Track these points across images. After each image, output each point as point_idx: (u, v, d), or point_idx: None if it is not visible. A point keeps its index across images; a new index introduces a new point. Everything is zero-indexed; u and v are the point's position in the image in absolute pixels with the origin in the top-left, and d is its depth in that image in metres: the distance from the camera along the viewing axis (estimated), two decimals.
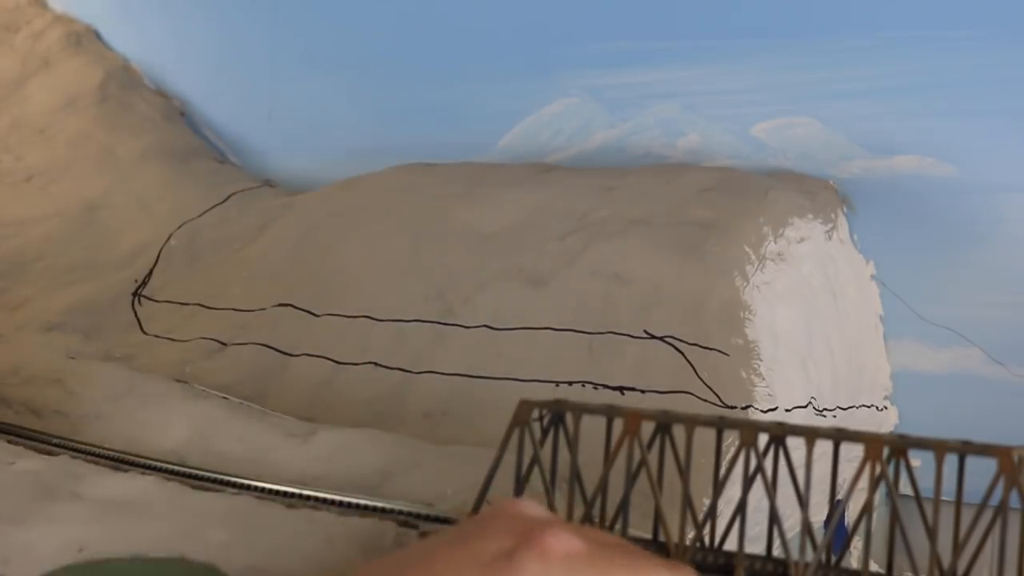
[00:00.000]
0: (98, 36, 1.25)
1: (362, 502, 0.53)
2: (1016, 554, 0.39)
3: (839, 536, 0.49)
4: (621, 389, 0.66)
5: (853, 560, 0.67)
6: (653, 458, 0.45)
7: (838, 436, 0.42)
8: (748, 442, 0.43)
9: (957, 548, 0.41)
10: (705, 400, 0.64)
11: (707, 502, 0.47)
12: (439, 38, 0.98)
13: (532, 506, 0.44)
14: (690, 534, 0.44)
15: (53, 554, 0.50)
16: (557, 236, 0.77)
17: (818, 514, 0.68)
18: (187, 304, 0.89)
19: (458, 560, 0.43)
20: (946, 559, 0.40)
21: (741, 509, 0.43)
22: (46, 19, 1.27)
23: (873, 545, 0.44)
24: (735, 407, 0.64)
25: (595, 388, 0.67)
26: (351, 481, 0.61)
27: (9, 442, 0.65)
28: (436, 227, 0.76)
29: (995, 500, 0.39)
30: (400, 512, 0.51)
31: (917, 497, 0.42)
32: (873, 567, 0.44)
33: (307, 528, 0.51)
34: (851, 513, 0.61)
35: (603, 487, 0.45)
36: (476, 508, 0.46)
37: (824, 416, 0.70)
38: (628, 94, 0.87)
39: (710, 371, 0.64)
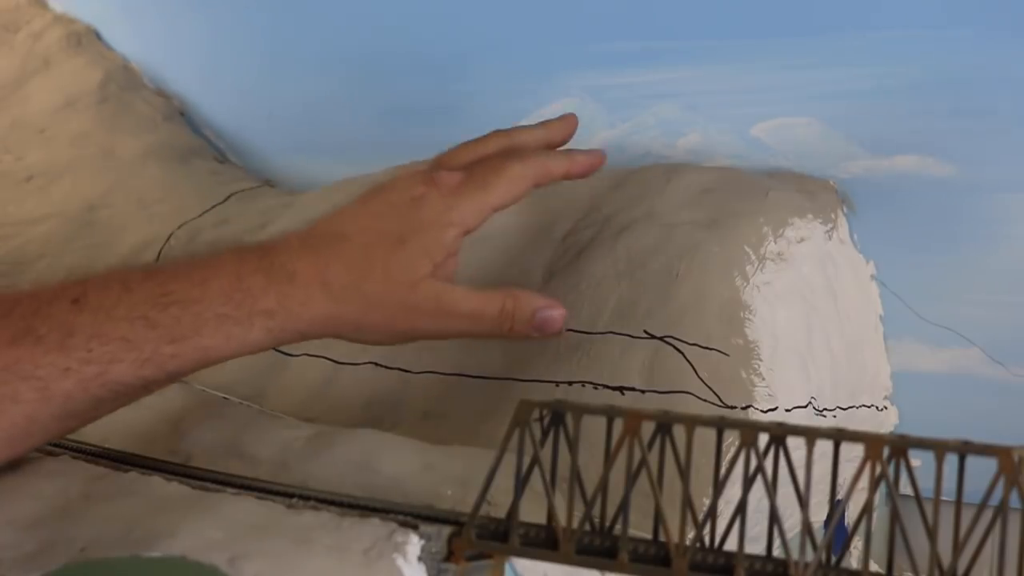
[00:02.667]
0: (98, 36, 1.25)
1: (362, 502, 0.53)
2: (1016, 554, 0.39)
3: (839, 536, 0.49)
4: (621, 389, 0.66)
5: (853, 560, 0.67)
6: (653, 458, 0.45)
7: (838, 436, 0.42)
8: (748, 442, 0.43)
9: (957, 548, 0.41)
10: (705, 400, 0.64)
11: (707, 502, 0.47)
12: (439, 38, 0.98)
13: (421, 164, 0.64)
14: (690, 534, 0.44)
15: None
16: (557, 236, 0.77)
17: (818, 514, 0.68)
18: None
19: (385, 202, 0.61)
20: (946, 559, 0.40)
21: (741, 509, 0.43)
22: (46, 19, 1.27)
23: (873, 545, 0.44)
24: (735, 407, 0.64)
25: (595, 388, 0.67)
26: (352, 481, 0.61)
27: None
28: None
29: (995, 500, 0.39)
30: (400, 512, 0.51)
31: (917, 497, 0.42)
32: (873, 567, 0.44)
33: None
34: (851, 513, 0.61)
35: (603, 487, 0.45)
36: (476, 508, 0.47)
37: (824, 416, 0.70)
38: (628, 94, 0.87)
39: (710, 371, 0.64)
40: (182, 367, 0.55)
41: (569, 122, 0.68)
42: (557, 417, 0.47)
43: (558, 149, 0.67)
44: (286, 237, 0.60)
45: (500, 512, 0.48)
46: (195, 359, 0.55)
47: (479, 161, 0.65)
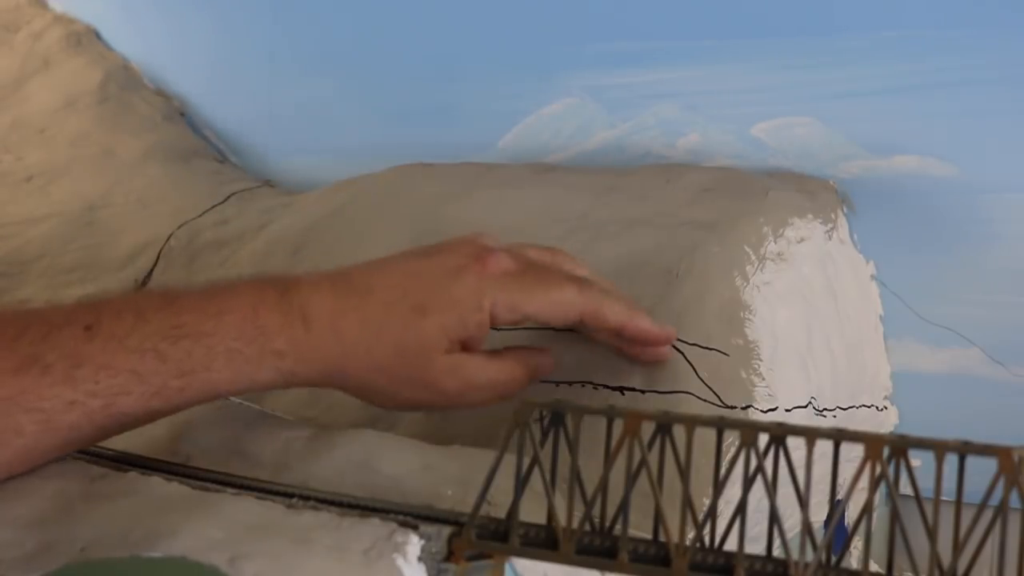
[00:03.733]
0: (98, 36, 1.25)
1: (362, 502, 0.53)
2: (1016, 554, 0.39)
3: (839, 536, 0.49)
4: (621, 389, 0.66)
5: (853, 560, 0.67)
6: (653, 458, 0.45)
7: (838, 436, 0.42)
8: (748, 442, 0.43)
9: (957, 548, 0.41)
10: (705, 400, 0.64)
11: (707, 502, 0.47)
12: (439, 38, 0.98)
13: (488, 238, 0.61)
14: (690, 534, 0.44)
15: None
16: (557, 236, 0.77)
17: (818, 514, 0.68)
18: None
19: (423, 267, 0.58)
20: (946, 559, 0.40)
21: (741, 509, 0.43)
22: (46, 19, 1.27)
23: (873, 545, 0.44)
24: (735, 407, 0.64)
25: (595, 388, 0.67)
26: (352, 481, 0.61)
27: None
28: (436, 227, 0.76)
29: (995, 500, 0.39)
30: (400, 512, 0.51)
31: (917, 497, 0.42)
32: (873, 567, 0.44)
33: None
34: (851, 513, 0.61)
35: (603, 487, 0.45)
36: (476, 508, 0.47)
37: (824, 416, 0.70)
38: (628, 94, 0.87)
39: (710, 371, 0.64)
40: (189, 400, 0.55)
41: (664, 335, 0.62)
42: (557, 417, 0.47)
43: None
44: (315, 275, 0.59)
45: (500, 512, 0.48)
46: (203, 392, 0.55)
47: (541, 264, 0.61)
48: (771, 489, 0.42)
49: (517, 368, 0.60)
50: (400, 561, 0.47)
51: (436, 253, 0.60)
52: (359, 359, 0.56)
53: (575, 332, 0.65)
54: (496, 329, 0.60)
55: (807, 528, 0.42)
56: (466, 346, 0.58)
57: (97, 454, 0.63)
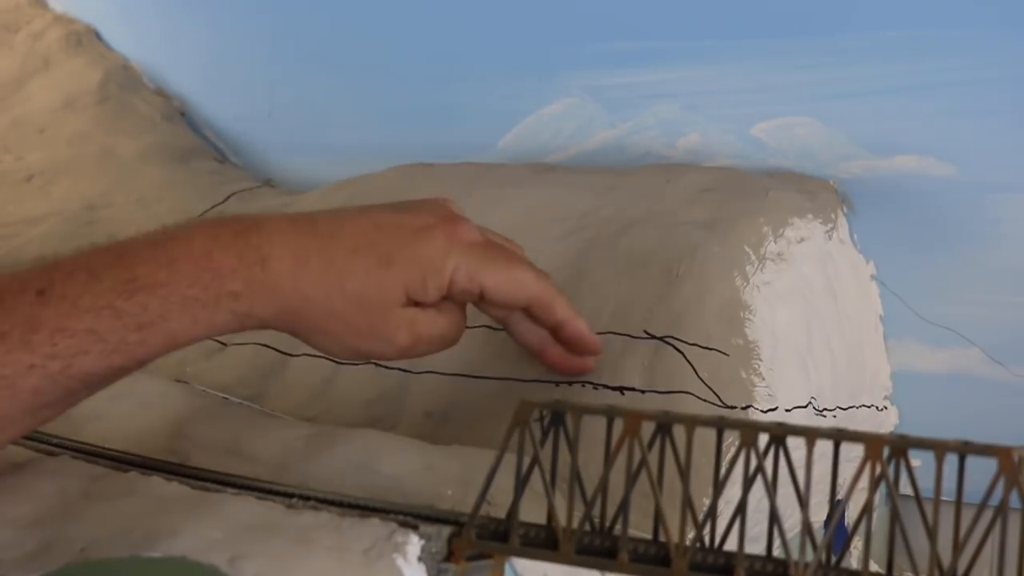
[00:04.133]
0: (98, 36, 1.25)
1: (362, 502, 0.53)
2: (1016, 554, 0.39)
3: (839, 536, 0.49)
4: (621, 389, 0.66)
5: (853, 560, 0.67)
6: (653, 458, 0.45)
7: (838, 436, 0.42)
8: (748, 442, 0.43)
9: (957, 548, 0.41)
10: (705, 400, 0.64)
11: (707, 502, 0.47)
12: (439, 38, 0.98)
13: (456, 206, 0.62)
14: (690, 534, 0.44)
15: None
16: (557, 236, 0.77)
17: (818, 514, 0.68)
18: None
19: (392, 220, 0.59)
20: (946, 559, 0.40)
21: (741, 509, 0.43)
22: (46, 19, 1.27)
23: (873, 545, 0.44)
24: (735, 407, 0.64)
25: (595, 388, 0.67)
26: (352, 481, 0.61)
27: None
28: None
29: (995, 500, 0.39)
30: (400, 512, 0.51)
31: (917, 497, 0.42)
32: (873, 567, 0.44)
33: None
34: (851, 513, 0.61)
35: (603, 487, 0.45)
36: (476, 508, 0.47)
37: (824, 416, 0.70)
38: (628, 94, 0.87)
39: (710, 371, 0.64)
40: (150, 353, 0.54)
41: (597, 344, 0.65)
42: (557, 417, 0.47)
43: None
44: (274, 217, 0.58)
45: (500, 512, 0.48)
46: (162, 344, 0.54)
47: (503, 243, 0.64)
48: (771, 489, 0.42)
49: (461, 317, 0.61)
50: (400, 561, 0.47)
51: (406, 210, 0.61)
52: (317, 304, 0.56)
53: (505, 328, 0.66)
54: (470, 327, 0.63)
55: (807, 528, 0.42)
56: (417, 304, 0.59)
57: (97, 454, 0.63)
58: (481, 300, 0.61)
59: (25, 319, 0.51)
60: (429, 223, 0.59)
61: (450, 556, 0.48)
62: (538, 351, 0.65)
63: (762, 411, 0.64)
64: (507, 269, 0.60)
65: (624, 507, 0.45)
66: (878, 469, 0.41)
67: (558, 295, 0.63)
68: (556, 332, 0.64)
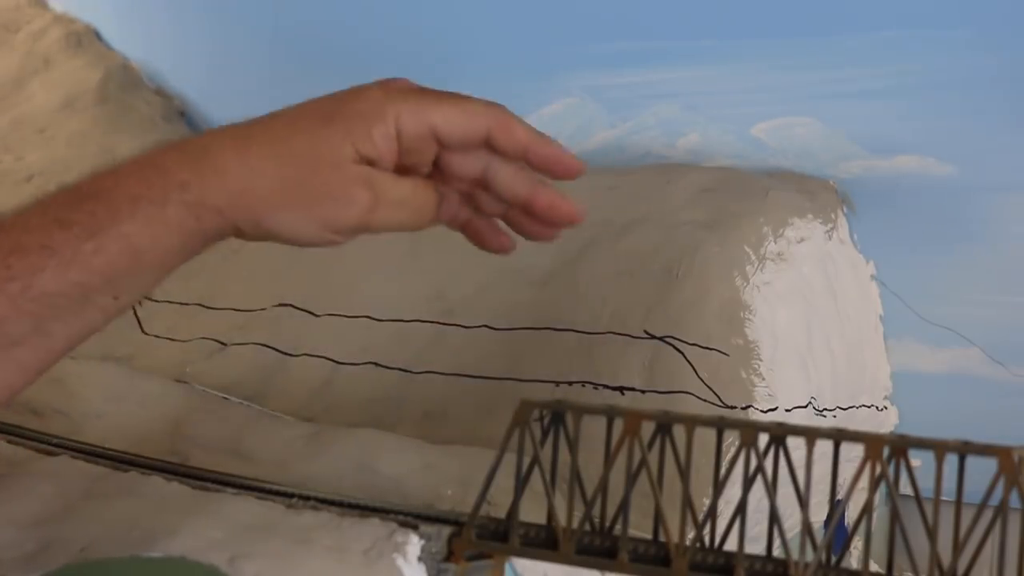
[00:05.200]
0: (98, 36, 1.25)
1: (362, 502, 0.53)
2: (1016, 554, 0.39)
3: (839, 536, 0.49)
4: (621, 389, 0.66)
5: (853, 560, 0.67)
6: (653, 458, 0.45)
7: (838, 436, 0.42)
8: (748, 442, 0.43)
9: (957, 548, 0.41)
10: (705, 400, 0.64)
11: (707, 502, 0.47)
12: (439, 38, 0.98)
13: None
14: (690, 534, 0.44)
15: None
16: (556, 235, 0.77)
17: (818, 514, 0.68)
18: (187, 304, 0.89)
19: (327, 94, 0.57)
20: (946, 559, 0.40)
21: (741, 509, 0.43)
22: (46, 19, 1.27)
23: (873, 545, 0.44)
24: (735, 407, 0.64)
25: (595, 388, 0.67)
26: (352, 481, 0.61)
27: (9, 442, 0.65)
28: (436, 226, 0.75)
29: (995, 500, 0.39)
30: (400, 512, 0.51)
31: (917, 497, 0.42)
32: (873, 567, 0.44)
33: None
34: (851, 513, 0.61)
35: (603, 487, 0.45)
36: (476, 508, 0.47)
37: (824, 416, 0.70)
38: (628, 94, 0.87)
39: (710, 371, 0.64)
40: (111, 264, 0.52)
41: (570, 165, 0.59)
42: (557, 417, 0.47)
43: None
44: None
45: (500, 512, 0.48)
46: (120, 251, 0.52)
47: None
48: (771, 489, 0.42)
49: (429, 191, 0.57)
50: (400, 561, 0.47)
51: (342, 90, 0.59)
52: (267, 174, 0.54)
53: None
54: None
55: (807, 528, 0.42)
56: (374, 165, 0.56)
57: (97, 454, 0.63)
58: (439, 146, 0.58)
59: None
60: (363, 85, 0.58)
61: (450, 556, 0.48)
62: (528, 198, 0.59)
63: (762, 411, 0.64)
64: (454, 102, 0.57)
65: (624, 507, 0.45)
66: (878, 469, 0.41)
67: (515, 117, 0.58)
68: (527, 157, 0.58)
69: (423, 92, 0.59)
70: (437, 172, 0.59)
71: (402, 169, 0.57)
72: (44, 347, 0.52)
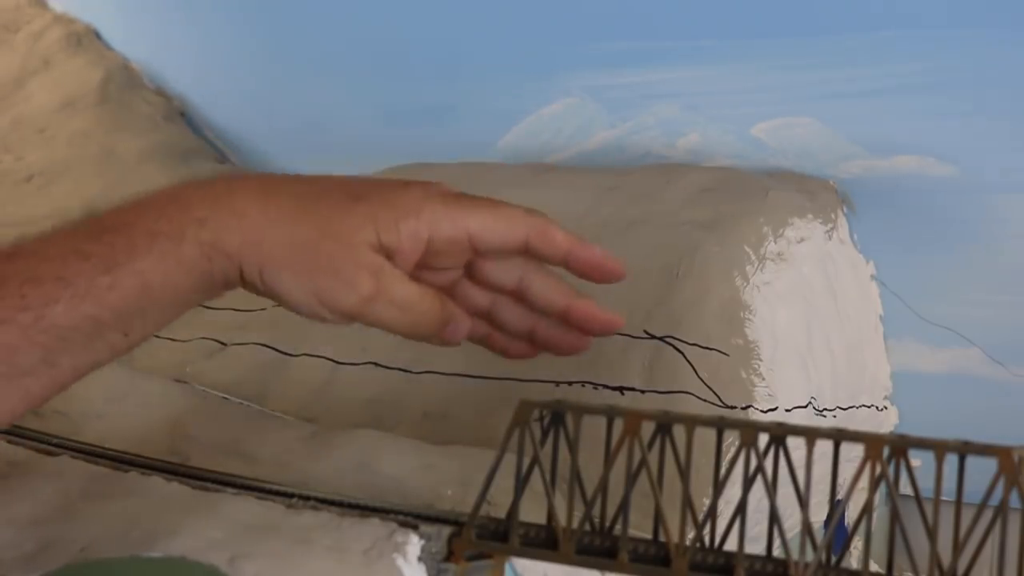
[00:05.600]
0: (98, 36, 1.25)
1: (362, 502, 0.53)
2: (1016, 554, 0.39)
3: (839, 536, 0.49)
4: (621, 389, 0.66)
5: (853, 560, 0.67)
6: (653, 458, 0.45)
7: (838, 436, 0.42)
8: (748, 442, 0.43)
9: (957, 548, 0.41)
10: (705, 400, 0.64)
11: (707, 502, 0.47)
12: (439, 38, 0.98)
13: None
14: (690, 534, 0.44)
15: None
16: None
17: (818, 514, 0.68)
18: None
19: (367, 177, 0.58)
20: (946, 559, 0.40)
21: (741, 509, 0.43)
22: (46, 19, 1.27)
23: (873, 545, 0.44)
24: (735, 407, 0.64)
25: (595, 388, 0.67)
26: (352, 481, 0.61)
27: (9, 442, 0.65)
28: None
29: (995, 500, 0.39)
30: (400, 512, 0.51)
31: (917, 497, 0.42)
32: (873, 567, 0.44)
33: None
34: (851, 513, 0.61)
35: (603, 487, 0.45)
36: (476, 508, 0.47)
37: (824, 416, 0.70)
38: (628, 94, 0.87)
39: (710, 371, 0.64)
40: (124, 300, 0.51)
41: (612, 270, 0.58)
42: (557, 417, 0.47)
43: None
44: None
45: (500, 512, 0.48)
46: (134, 287, 0.51)
47: None
48: (771, 489, 0.42)
49: (436, 303, 0.56)
50: (400, 561, 0.47)
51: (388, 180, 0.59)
52: (282, 228, 0.53)
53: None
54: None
55: (807, 528, 0.42)
56: (392, 260, 0.55)
57: (97, 454, 0.63)
58: (474, 253, 0.57)
59: None
60: (406, 180, 0.57)
61: (450, 556, 0.48)
62: (565, 308, 0.58)
63: (762, 411, 0.64)
64: (492, 208, 0.56)
65: (624, 507, 0.45)
66: (878, 469, 0.41)
67: (554, 223, 0.58)
68: (567, 263, 0.58)
69: (462, 197, 0.57)
70: (466, 279, 0.58)
71: (429, 271, 0.56)
72: (50, 377, 0.51)
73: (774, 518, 0.43)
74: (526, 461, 0.46)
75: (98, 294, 0.51)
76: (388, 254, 0.54)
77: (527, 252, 0.57)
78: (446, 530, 0.48)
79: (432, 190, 0.56)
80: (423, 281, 0.56)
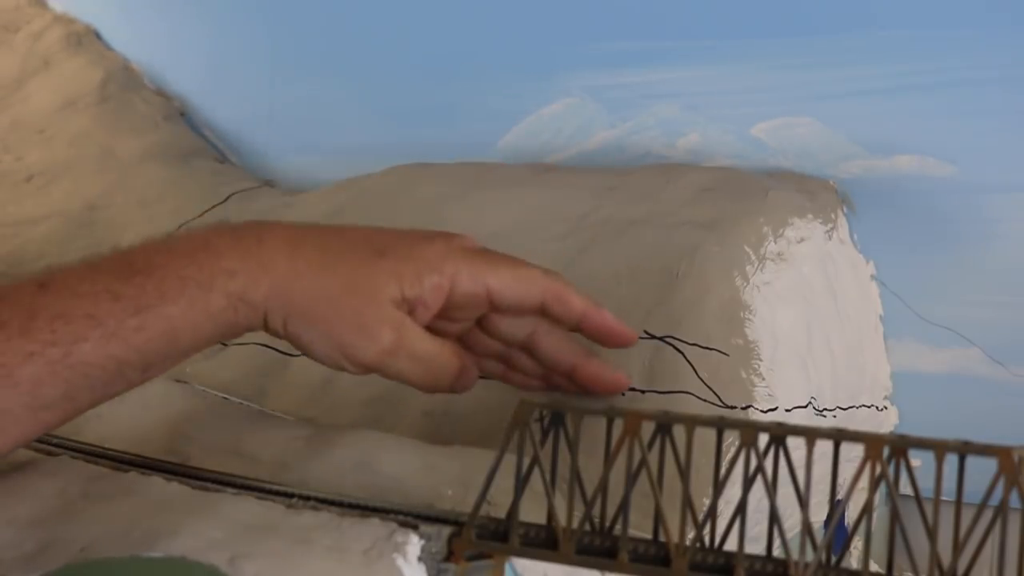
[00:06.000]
0: (98, 36, 1.25)
1: (362, 502, 0.53)
2: (1016, 554, 0.39)
3: (839, 536, 0.49)
4: None
5: (853, 560, 0.67)
6: (653, 458, 0.45)
7: (838, 436, 0.42)
8: (748, 442, 0.43)
9: (957, 548, 0.41)
10: (705, 400, 0.64)
11: (707, 502, 0.47)
12: (439, 38, 0.98)
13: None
14: (690, 534, 0.44)
15: None
16: (557, 236, 0.77)
17: (818, 514, 0.68)
18: None
19: (394, 229, 0.59)
20: (946, 559, 0.40)
21: (741, 509, 0.43)
22: (46, 19, 1.27)
23: (873, 545, 0.44)
24: (735, 407, 0.64)
25: None
26: (352, 481, 0.61)
27: None
28: (435, 227, 0.75)
29: (995, 500, 0.39)
30: (400, 512, 0.51)
31: (917, 497, 0.42)
32: (873, 567, 0.44)
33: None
34: (851, 513, 0.61)
35: (603, 487, 0.45)
36: (476, 508, 0.47)
37: (824, 416, 0.70)
38: (628, 94, 0.87)
39: (710, 371, 0.64)
40: (150, 343, 0.53)
41: (623, 336, 0.61)
42: (557, 417, 0.47)
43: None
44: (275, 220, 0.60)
45: (500, 512, 0.48)
46: (161, 331, 0.53)
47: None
48: (771, 489, 0.42)
49: (454, 358, 0.59)
50: (400, 561, 0.47)
51: (415, 230, 0.61)
52: (308, 281, 0.55)
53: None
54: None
55: (807, 528, 0.42)
56: (413, 312, 0.57)
57: (97, 454, 0.63)
58: (491, 308, 0.59)
59: (25, 308, 0.51)
60: (430, 234, 0.59)
61: (450, 556, 0.48)
62: (571, 368, 0.62)
63: (762, 411, 0.64)
64: (512, 267, 0.59)
65: (624, 507, 0.45)
66: (878, 469, 0.41)
67: (571, 286, 0.60)
68: (580, 327, 0.61)
69: (484, 253, 0.59)
70: (478, 328, 0.61)
71: (444, 320, 0.59)
72: (67, 410, 0.53)
73: (774, 518, 0.43)
74: (526, 461, 0.46)
75: (126, 335, 0.52)
76: (410, 307, 0.56)
77: (542, 312, 0.60)
78: (446, 530, 0.48)
79: (455, 244, 0.58)
80: (436, 329, 0.58)
